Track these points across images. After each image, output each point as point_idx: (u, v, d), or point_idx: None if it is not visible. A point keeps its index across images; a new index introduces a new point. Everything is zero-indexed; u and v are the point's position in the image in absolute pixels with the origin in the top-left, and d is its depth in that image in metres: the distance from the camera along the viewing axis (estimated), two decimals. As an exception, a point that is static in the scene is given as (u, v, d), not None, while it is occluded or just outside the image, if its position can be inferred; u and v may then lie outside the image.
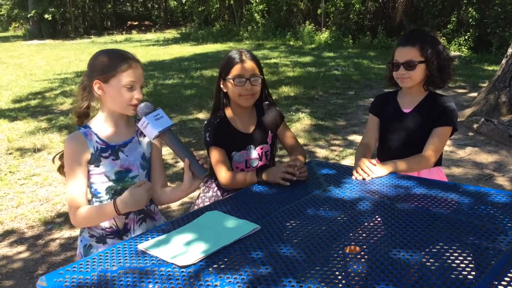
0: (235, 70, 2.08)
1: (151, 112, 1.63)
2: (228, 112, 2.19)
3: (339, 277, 1.23)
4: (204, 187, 2.31)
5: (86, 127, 1.74)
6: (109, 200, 1.75)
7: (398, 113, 2.24)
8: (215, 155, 2.12)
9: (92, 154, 1.70)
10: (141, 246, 1.45)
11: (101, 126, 1.75)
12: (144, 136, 1.82)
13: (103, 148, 1.72)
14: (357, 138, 5.62)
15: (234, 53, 2.14)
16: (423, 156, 2.10)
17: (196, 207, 2.28)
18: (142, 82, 1.72)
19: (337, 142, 5.54)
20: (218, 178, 2.12)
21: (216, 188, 2.25)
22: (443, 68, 2.13)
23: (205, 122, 2.20)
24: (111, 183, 1.74)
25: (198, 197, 2.32)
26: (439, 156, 2.17)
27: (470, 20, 13.13)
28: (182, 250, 1.41)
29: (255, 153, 2.22)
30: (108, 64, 1.67)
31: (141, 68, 1.72)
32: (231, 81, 2.09)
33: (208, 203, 2.22)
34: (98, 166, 1.72)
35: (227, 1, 20.42)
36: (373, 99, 2.43)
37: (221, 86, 2.15)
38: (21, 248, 3.32)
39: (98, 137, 1.72)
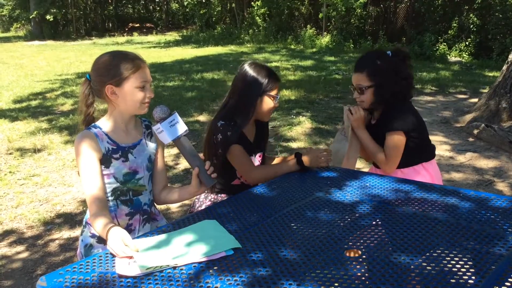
0: (276, 88, 2.18)
1: (167, 117, 1.61)
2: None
3: (340, 280, 1.23)
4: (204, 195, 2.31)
5: (95, 127, 1.73)
6: (114, 201, 1.75)
7: (369, 125, 2.34)
8: (240, 152, 2.13)
9: (103, 154, 1.70)
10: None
11: (111, 127, 1.74)
12: (151, 138, 1.83)
13: (114, 149, 1.72)
14: (357, 142, 5.62)
15: (269, 71, 2.18)
16: (381, 157, 2.23)
17: (198, 204, 2.28)
18: (151, 80, 1.74)
19: (337, 146, 5.54)
20: (249, 173, 2.15)
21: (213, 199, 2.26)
22: (394, 90, 2.18)
23: (221, 123, 2.11)
24: (118, 185, 1.74)
25: (196, 202, 2.32)
26: (394, 162, 2.21)
27: (471, 26, 13.16)
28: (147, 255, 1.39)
29: (256, 160, 2.25)
30: (118, 68, 1.66)
31: (147, 66, 1.73)
32: (272, 98, 2.16)
33: (209, 203, 2.22)
34: (108, 167, 1.71)
35: (228, 4, 20.47)
36: None
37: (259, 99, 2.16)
38: (21, 248, 3.32)
39: (109, 137, 1.72)
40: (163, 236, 1.51)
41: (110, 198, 1.75)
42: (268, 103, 2.16)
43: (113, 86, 1.67)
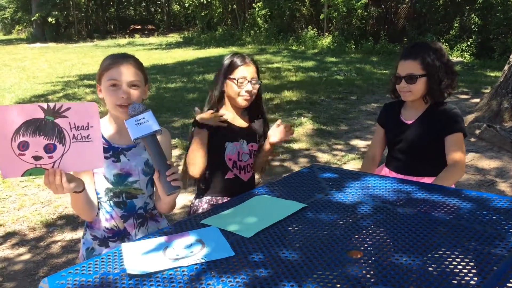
0: (239, 71, 2.18)
1: (136, 114, 1.50)
2: (222, 110, 2.25)
3: (341, 281, 1.23)
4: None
5: None
6: (108, 202, 1.75)
7: (400, 124, 2.25)
8: (196, 133, 2.21)
9: None
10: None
11: (106, 126, 1.75)
12: None
13: (105, 148, 1.70)
14: (359, 143, 5.62)
15: (237, 56, 2.23)
16: (455, 167, 2.07)
17: (195, 208, 2.27)
18: (130, 81, 1.64)
19: (339, 146, 5.54)
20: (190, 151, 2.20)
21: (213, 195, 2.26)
22: (444, 82, 2.12)
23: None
24: (109, 185, 1.73)
25: (195, 201, 2.31)
26: (465, 160, 2.15)
27: (473, 26, 13.14)
28: (241, 224, 1.60)
29: (246, 148, 2.25)
30: (101, 66, 1.70)
31: (129, 66, 1.65)
32: (235, 81, 2.16)
33: (206, 206, 2.22)
34: None
35: (230, 6, 20.48)
36: (376, 105, 2.46)
37: (223, 85, 2.22)
38: (23, 250, 3.32)
39: (102, 136, 1.72)
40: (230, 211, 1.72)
41: (104, 199, 1.75)
42: (231, 87, 2.19)
43: (98, 84, 1.71)
